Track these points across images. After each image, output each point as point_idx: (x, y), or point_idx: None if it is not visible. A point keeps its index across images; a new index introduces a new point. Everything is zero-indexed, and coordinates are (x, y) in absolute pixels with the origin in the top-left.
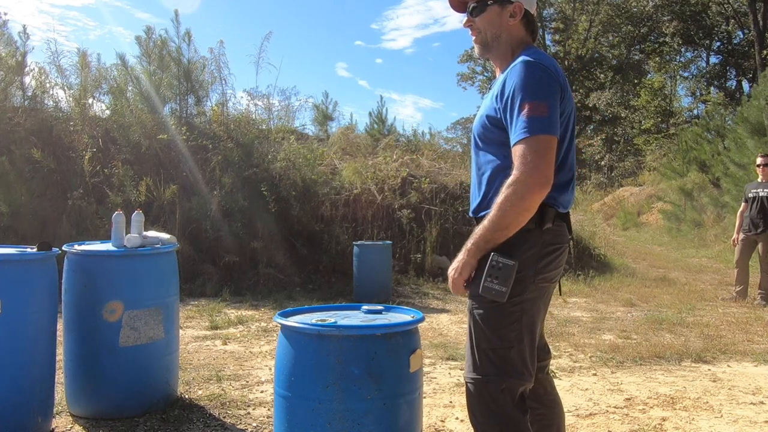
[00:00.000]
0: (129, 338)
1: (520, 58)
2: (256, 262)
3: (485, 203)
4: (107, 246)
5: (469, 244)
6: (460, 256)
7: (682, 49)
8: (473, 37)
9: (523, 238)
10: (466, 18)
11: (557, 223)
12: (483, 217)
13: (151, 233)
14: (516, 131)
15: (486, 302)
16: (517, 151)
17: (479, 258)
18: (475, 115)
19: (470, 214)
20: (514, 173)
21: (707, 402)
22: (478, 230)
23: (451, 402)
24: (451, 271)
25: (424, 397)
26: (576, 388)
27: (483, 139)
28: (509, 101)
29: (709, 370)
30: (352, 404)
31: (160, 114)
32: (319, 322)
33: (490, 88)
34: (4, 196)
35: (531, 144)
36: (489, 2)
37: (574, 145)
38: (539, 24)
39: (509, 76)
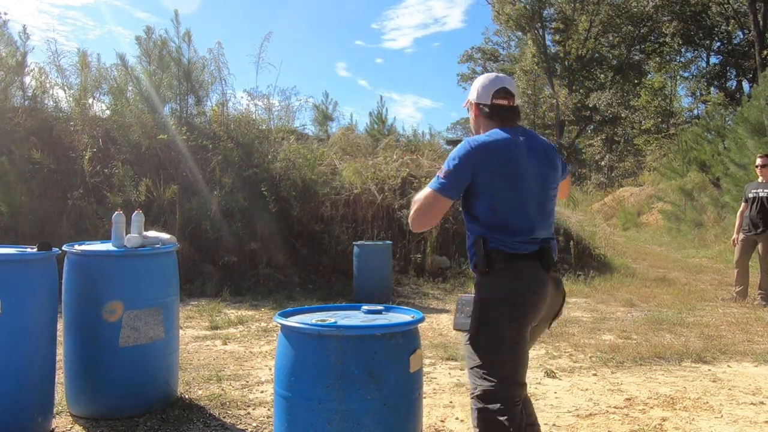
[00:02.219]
0: (129, 338)
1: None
2: (256, 262)
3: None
4: (107, 246)
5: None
6: None
7: (682, 49)
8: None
9: (483, 280)
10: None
11: (512, 264)
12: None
13: (151, 233)
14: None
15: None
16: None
17: None
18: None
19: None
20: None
21: (707, 402)
22: None
23: (451, 402)
24: None
25: (424, 397)
26: (576, 388)
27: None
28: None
29: (709, 370)
30: (352, 404)
31: (160, 114)
32: (319, 322)
33: None
34: (4, 196)
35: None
36: (468, 107)
37: (524, 193)
38: (540, 24)
39: None
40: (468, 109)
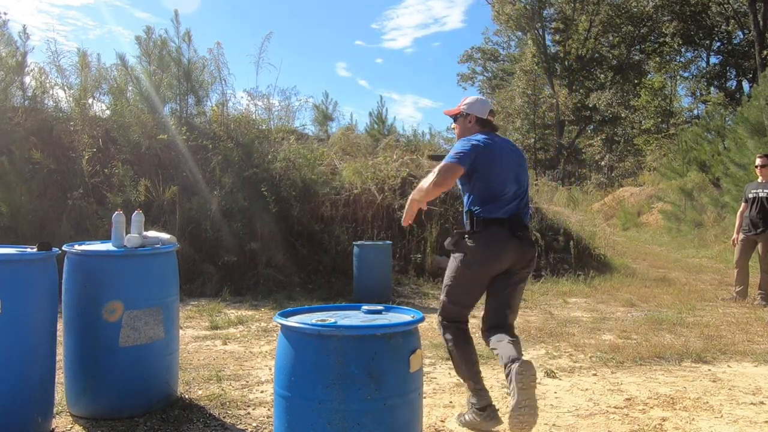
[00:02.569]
0: (129, 338)
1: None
2: (256, 262)
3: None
4: (107, 246)
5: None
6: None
7: (682, 49)
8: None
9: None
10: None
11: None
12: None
13: (151, 233)
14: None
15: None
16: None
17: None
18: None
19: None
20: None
21: (707, 402)
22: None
23: (451, 402)
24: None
25: (424, 397)
26: (576, 388)
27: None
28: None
29: (709, 370)
30: (352, 404)
31: (160, 114)
32: (319, 322)
33: None
34: (4, 196)
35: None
36: (459, 116)
37: (501, 172)
38: (540, 24)
39: None
40: (457, 117)
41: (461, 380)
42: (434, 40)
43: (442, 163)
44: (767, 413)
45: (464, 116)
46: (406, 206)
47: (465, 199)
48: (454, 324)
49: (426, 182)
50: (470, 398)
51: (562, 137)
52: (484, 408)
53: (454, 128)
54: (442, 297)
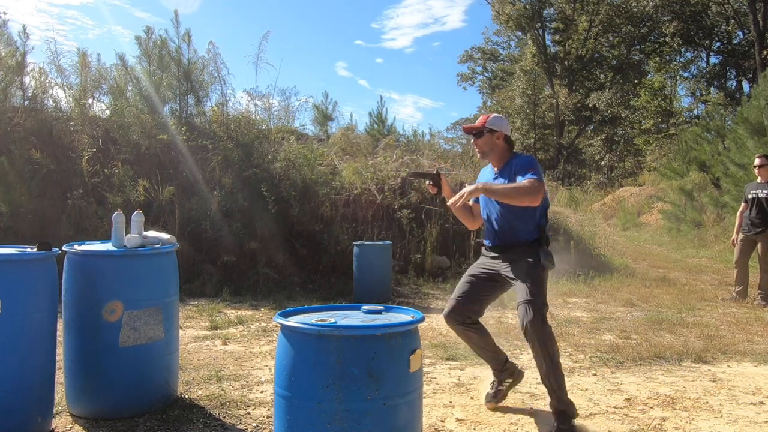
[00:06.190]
0: (129, 338)
1: (524, 155)
2: (255, 262)
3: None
4: (107, 246)
5: (495, 188)
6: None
7: (682, 49)
8: (477, 151)
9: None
10: (473, 139)
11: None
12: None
13: (151, 233)
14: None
15: (543, 269)
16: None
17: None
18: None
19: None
20: (527, 181)
21: (707, 402)
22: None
23: (451, 402)
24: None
25: (424, 397)
26: (576, 388)
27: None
28: (523, 169)
29: (709, 370)
30: (352, 404)
31: (159, 114)
32: (319, 322)
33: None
34: (4, 196)
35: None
36: (485, 132)
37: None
38: (540, 24)
39: (519, 160)
40: (481, 133)
41: (556, 384)
42: (434, 39)
43: (535, 180)
44: (767, 413)
45: (491, 133)
46: (470, 188)
47: (528, 213)
48: (450, 310)
49: (517, 189)
50: (558, 404)
51: (562, 137)
52: (574, 415)
53: (473, 143)
54: (538, 301)
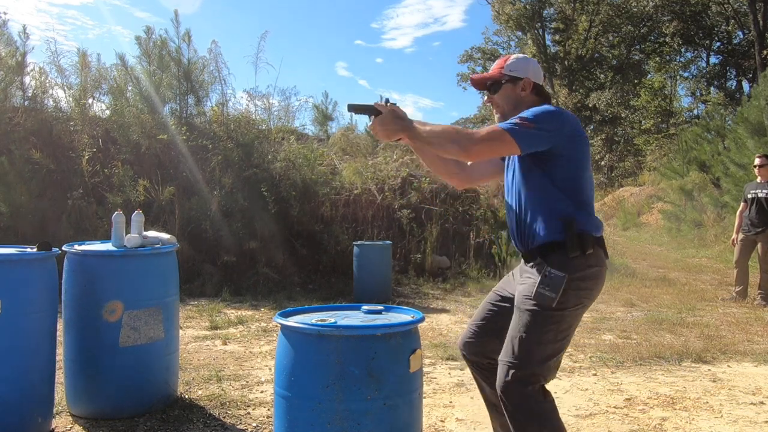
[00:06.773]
0: (129, 338)
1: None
2: (255, 262)
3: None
4: (107, 246)
5: (415, 126)
6: (398, 125)
7: (682, 49)
8: (495, 111)
9: (571, 261)
10: (486, 96)
11: (596, 248)
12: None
13: (151, 233)
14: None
15: (536, 305)
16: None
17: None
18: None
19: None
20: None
21: (707, 402)
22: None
23: (451, 402)
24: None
25: (424, 397)
26: (576, 388)
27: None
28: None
29: (709, 370)
30: (352, 404)
31: (159, 114)
32: (319, 322)
33: None
34: (4, 196)
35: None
36: (503, 81)
37: (589, 176)
38: (540, 24)
39: None
40: (499, 84)
41: None
42: (434, 39)
43: (497, 128)
44: (767, 413)
45: (512, 82)
46: (386, 123)
47: (548, 195)
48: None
49: (445, 131)
50: None
51: None
52: None
53: (487, 101)
54: (523, 362)
